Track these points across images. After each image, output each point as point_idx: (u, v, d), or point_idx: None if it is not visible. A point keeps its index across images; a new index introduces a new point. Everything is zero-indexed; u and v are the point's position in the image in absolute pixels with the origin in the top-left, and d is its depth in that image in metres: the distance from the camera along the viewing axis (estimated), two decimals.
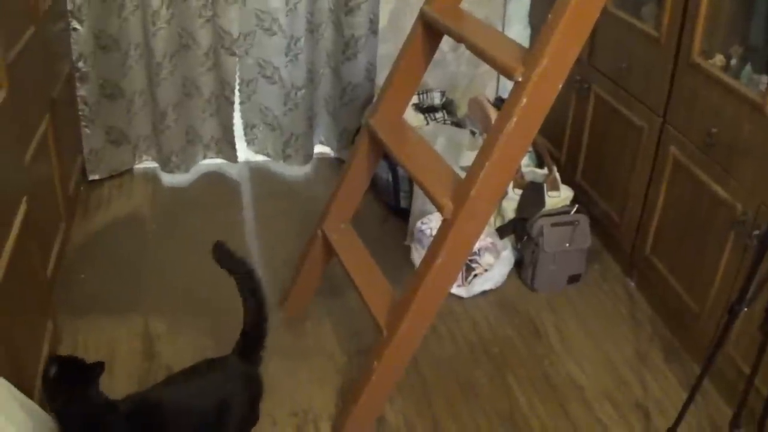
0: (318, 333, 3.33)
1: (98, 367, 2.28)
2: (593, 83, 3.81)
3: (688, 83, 3.13)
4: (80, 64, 4.06)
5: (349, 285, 2.95)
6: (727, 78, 2.92)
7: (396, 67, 2.94)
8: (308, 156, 4.64)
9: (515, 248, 3.75)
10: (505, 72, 2.42)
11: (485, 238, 3.58)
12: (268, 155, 4.66)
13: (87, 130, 4.21)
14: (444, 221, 2.51)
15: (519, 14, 4.67)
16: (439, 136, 3.93)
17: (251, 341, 2.65)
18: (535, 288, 3.66)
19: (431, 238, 2.67)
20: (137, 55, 4.19)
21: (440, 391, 3.08)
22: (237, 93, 4.42)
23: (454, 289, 3.55)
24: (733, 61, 2.99)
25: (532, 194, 3.70)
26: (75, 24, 3.98)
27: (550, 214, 3.62)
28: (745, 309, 2.34)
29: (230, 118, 4.44)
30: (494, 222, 3.77)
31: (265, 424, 2.83)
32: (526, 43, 4.13)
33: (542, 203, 3.68)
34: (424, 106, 4.39)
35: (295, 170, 4.64)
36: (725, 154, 2.91)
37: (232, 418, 2.52)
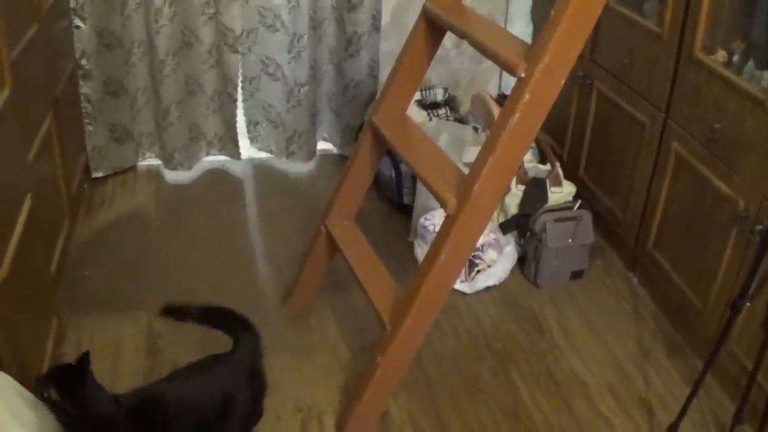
0: (322, 329, 3.34)
1: (84, 361, 2.25)
2: (596, 79, 3.81)
3: (691, 79, 3.13)
4: (83, 62, 4.07)
5: (353, 281, 2.96)
6: (729, 74, 2.92)
7: (399, 64, 2.94)
8: (311, 153, 4.65)
9: (518, 244, 3.75)
10: (507, 68, 2.42)
11: (488, 234, 3.59)
12: (271, 152, 4.66)
13: (90, 128, 4.22)
14: (447, 217, 2.51)
15: (521, 11, 4.67)
16: (441, 132, 3.93)
17: (251, 334, 2.66)
18: (538, 284, 3.66)
19: (434, 234, 2.67)
20: (140, 53, 4.19)
21: (444, 386, 3.08)
22: (240, 90, 4.42)
23: (458, 285, 3.55)
24: (736, 57, 3.00)
25: (535, 190, 3.70)
26: (78, 22, 3.99)
27: (552, 210, 3.62)
28: (748, 304, 2.35)
29: (233, 115, 4.45)
30: (497, 218, 3.78)
31: (269, 420, 2.83)
32: (528, 41, 4.13)
33: (545, 199, 3.69)
34: (427, 103, 4.39)
35: (299, 167, 4.64)
36: (728, 150, 2.91)
37: (235, 413, 2.52)
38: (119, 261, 3.72)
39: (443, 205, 2.51)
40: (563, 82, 2.36)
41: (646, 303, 3.59)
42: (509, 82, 4.65)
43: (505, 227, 3.72)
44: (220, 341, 2.65)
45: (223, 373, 2.58)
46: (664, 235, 3.40)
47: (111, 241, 3.88)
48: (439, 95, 4.45)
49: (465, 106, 4.54)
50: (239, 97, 4.44)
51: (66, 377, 2.24)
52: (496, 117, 3.41)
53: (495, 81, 4.90)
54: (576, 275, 3.71)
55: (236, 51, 4.25)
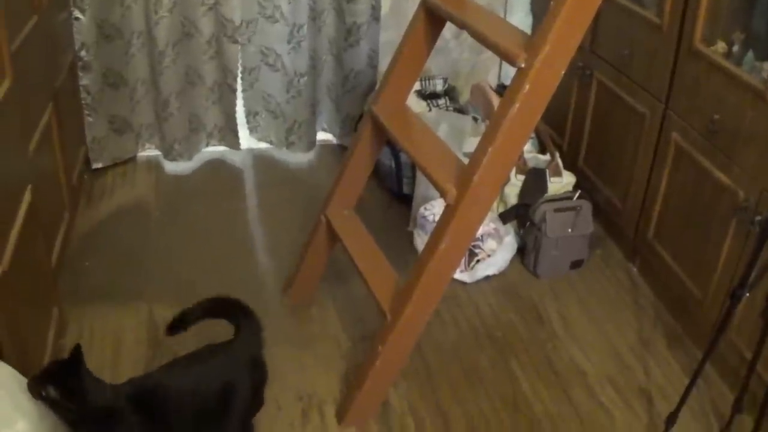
0: (322, 319, 3.35)
1: (77, 354, 2.24)
2: (595, 70, 3.81)
3: (690, 70, 3.13)
4: (83, 54, 4.07)
5: (353, 271, 2.96)
6: (729, 65, 2.92)
7: (398, 54, 2.95)
8: (311, 143, 4.65)
9: (518, 234, 3.76)
10: (507, 58, 2.42)
11: (488, 224, 3.59)
12: (271, 143, 4.66)
13: (90, 119, 4.22)
14: (447, 207, 2.52)
15: (521, 1, 4.67)
16: (441, 122, 3.93)
17: (251, 324, 2.66)
18: (537, 273, 3.67)
19: (434, 224, 2.67)
20: (140, 44, 4.19)
21: (444, 376, 3.09)
22: (239, 81, 4.42)
23: (457, 275, 3.56)
24: (735, 48, 3.00)
25: (535, 180, 3.71)
26: (77, 13, 3.98)
27: (552, 200, 3.62)
28: (747, 294, 2.35)
29: (233, 105, 4.45)
30: (497, 208, 3.78)
31: (270, 409, 2.84)
32: (527, 31, 4.13)
33: (545, 189, 3.69)
34: (427, 93, 4.39)
35: (298, 157, 4.64)
36: (727, 141, 2.92)
37: (236, 402, 2.53)
38: (119, 252, 3.72)
39: (443, 195, 2.52)
40: (563, 72, 2.36)
41: (646, 293, 3.59)
42: (509, 72, 4.65)
43: (504, 217, 3.73)
44: (221, 332, 2.66)
45: (223, 362, 2.58)
46: (664, 226, 3.41)
47: (111, 232, 3.88)
48: (439, 85, 4.45)
49: (465, 97, 4.54)
50: (239, 87, 4.44)
51: (61, 373, 2.24)
52: (495, 107, 3.41)
53: (494, 71, 4.90)
54: (575, 265, 3.72)
55: (236, 42, 4.25)
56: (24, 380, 2.32)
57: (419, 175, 3.82)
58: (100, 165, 4.36)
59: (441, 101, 4.35)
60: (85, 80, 4.12)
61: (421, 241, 3.66)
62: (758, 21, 3.00)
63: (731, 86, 2.88)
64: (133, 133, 4.43)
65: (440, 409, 2.93)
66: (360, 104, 4.48)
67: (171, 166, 4.48)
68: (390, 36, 4.39)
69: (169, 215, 4.03)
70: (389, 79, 2.97)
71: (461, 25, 2.67)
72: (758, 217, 2.73)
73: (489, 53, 2.62)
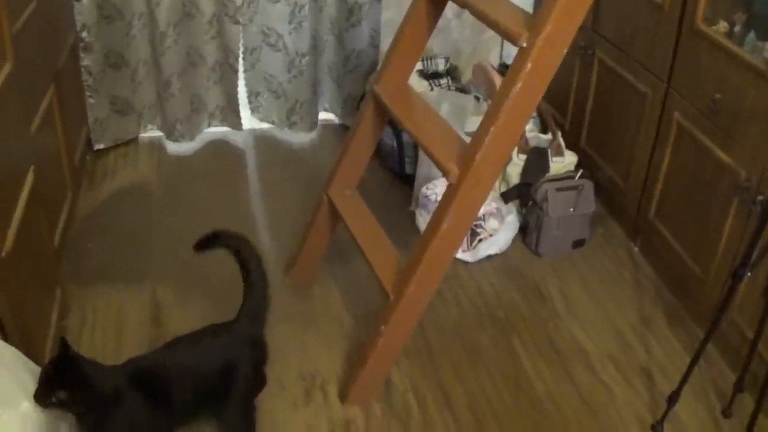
0: (325, 298, 3.36)
1: (64, 348, 2.21)
2: (597, 49, 3.81)
3: (692, 50, 3.13)
4: (84, 35, 4.06)
5: (356, 251, 2.97)
6: (730, 45, 2.92)
7: (400, 34, 2.94)
8: (313, 123, 4.65)
9: (520, 213, 3.76)
10: (509, 38, 2.42)
11: (490, 203, 3.60)
12: (272, 123, 4.66)
13: (91, 100, 4.21)
14: (449, 186, 2.52)
15: None
16: (443, 102, 3.93)
17: (255, 306, 2.66)
18: (539, 253, 3.68)
19: (436, 204, 2.68)
20: (141, 25, 4.18)
21: (446, 354, 3.10)
22: (241, 61, 4.42)
23: (459, 254, 3.57)
24: (737, 28, 2.99)
25: (537, 159, 3.71)
26: None
27: (554, 179, 3.63)
28: (749, 274, 2.36)
29: (234, 86, 4.45)
30: (499, 187, 3.79)
31: (273, 388, 2.85)
32: (529, 11, 4.12)
33: (546, 168, 3.69)
34: (428, 72, 4.38)
35: (300, 137, 4.64)
36: (729, 120, 2.92)
37: (238, 380, 2.53)
38: (122, 233, 3.73)
39: (445, 174, 2.52)
40: (565, 52, 2.36)
41: (647, 272, 3.60)
42: (510, 51, 4.64)
43: (506, 196, 3.73)
44: (224, 312, 2.67)
45: (224, 341, 2.59)
46: (666, 205, 3.41)
47: (113, 213, 3.89)
48: (441, 65, 4.44)
49: (466, 76, 4.54)
50: (240, 67, 4.43)
51: (61, 374, 2.22)
52: (497, 86, 3.41)
53: (496, 51, 4.89)
54: (577, 244, 3.73)
55: (237, 22, 4.24)
56: (28, 361, 2.33)
57: (421, 155, 3.82)
58: (102, 146, 4.36)
59: (443, 81, 4.35)
60: (86, 61, 4.12)
61: (423, 220, 3.67)
62: (760, 1, 2.99)
63: (733, 66, 2.88)
64: (135, 113, 4.43)
65: (442, 388, 2.95)
66: (362, 84, 4.48)
67: (173, 147, 4.48)
68: (391, 15, 4.38)
69: (171, 196, 4.04)
70: (391, 58, 2.97)
71: (463, 5, 2.66)
72: (760, 197, 2.73)
73: (491, 32, 2.62)
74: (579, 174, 3.66)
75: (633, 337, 3.23)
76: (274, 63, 4.45)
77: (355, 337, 3.14)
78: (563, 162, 3.74)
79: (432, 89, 4.26)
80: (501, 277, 3.55)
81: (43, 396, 2.20)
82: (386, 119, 3.09)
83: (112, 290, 3.33)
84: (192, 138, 4.52)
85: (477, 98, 4.13)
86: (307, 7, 4.27)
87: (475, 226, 3.54)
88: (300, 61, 4.40)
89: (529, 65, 2.33)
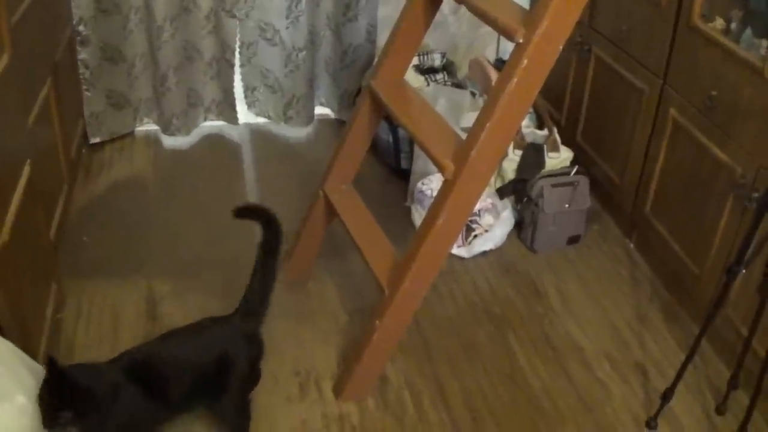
0: (320, 293, 3.36)
1: (53, 366, 2.19)
2: (594, 45, 3.81)
3: (689, 46, 3.13)
4: (81, 28, 4.05)
5: (351, 246, 2.97)
6: (727, 41, 2.92)
7: (397, 29, 2.94)
8: (309, 118, 4.65)
9: (515, 209, 3.76)
10: (506, 34, 2.42)
11: (485, 199, 3.60)
12: (269, 117, 4.66)
13: (88, 94, 4.21)
14: (445, 182, 2.52)
15: None
16: (439, 97, 3.93)
17: (255, 304, 2.67)
18: (534, 249, 3.68)
19: (432, 199, 2.68)
20: (138, 19, 4.18)
21: (441, 350, 3.10)
22: (238, 55, 4.41)
23: (455, 250, 3.57)
24: (734, 25, 2.99)
25: (533, 155, 3.71)
26: None
27: (550, 175, 3.63)
28: (744, 271, 2.37)
29: (231, 80, 4.44)
30: (494, 183, 3.79)
31: (267, 384, 2.85)
32: (526, 6, 4.12)
33: (542, 164, 3.69)
34: (425, 68, 4.39)
35: (296, 132, 4.64)
36: (725, 117, 2.92)
37: (232, 374, 2.54)
38: (118, 226, 3.73)
39: (441, 169, 2.52)
40: (561, 48, 2.36)
41: (643, 268, 3.60)
42: (507, 47, 4.64)
43: (502, 192, 3.73)
44: (220, 305, 2.67)
45: (219, 333, 2.59)
46: (661, 201, 3.41)
47: (110, 206, 3.88)
48: (437, 60, 4.44)
49: (463, 71, 4.54)
50: (237, 62, 4.43)
51: (59, 394, 2.22)
52: (493, 82, 3.42)
53: (493, 46, 4.89)
54: (573, 240, 3.73)
55: (234, 16, 4.24)
56: (24, 355, 2.33)
57: (417, 150, 3.83)
58: (98, 140, 4.35)
59: (439, 76, 4.35)
60: (83, 55, 4.12)
61: (418, 215, 3.67)
62: None
63: (729, 63, 2.88)
64: (132, 107, 4.43)
65: (438, 384, 2.95)
66: (358, 79, 4.48)
67: (169, 141, 4.48)
68: (388, 11, 4.37)
69: (167, 190, 4.04)
70: (387, 53, 2.97)
71: (460, 0, 2.66)
72: (755, 194, 2.73)
73: (487, 28, 2.61)
74: (575, 170, 3.66)
75: (628, 333, 3.23)
76: (270, 58, 4.45)
77: (350, 333, 3.15)
78: (559, 158, 3.74)
79: (428, 84, 4.26)
80: (496, 272, 3.55)
81: (50, 421, 2.20)
82: (382, 114, 3.09)
83: (108, 283, 3.33)
84: (188, 132, 4.52)
85: (473, 94, 4.14)
86: (304, 1, 4.27)
87: (471, 221, 3.54)
88: (297, 55, 4.40)
89: (525, 61, 2.33)
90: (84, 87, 4.18)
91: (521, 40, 2.34)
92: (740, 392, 2.83)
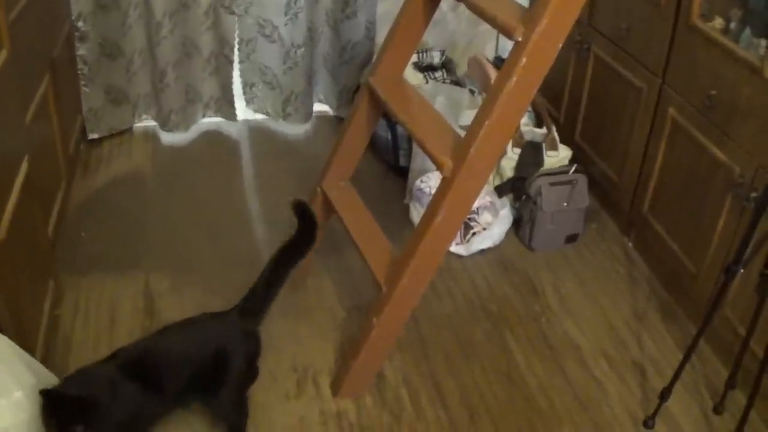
0: (318, 290, 3.36)
1: (47, 398, 2.23)
2: (593, 44, 3.81)
3: (688, 45, 3.13)
4: (79, 24, 4.05)
5: (349, 243, 2.97)
6: (726, 41, 2.92)
7: (396, 26, 2.94)
8: (308, 114, 4.64)
9: (513, 207, 3.76)
10: (505, 32, 2.42)
11: (484, 197, 3.60)
12: (267, 114, 4.65)
13: (86, 89, 4.20)
14: (443, 180, 2.52)
15: None
16: (438, 95, 3.93)
17: (257, 303, 2.67)
18: (532, 247, 3.68)
19: (430, 197, 2.68)
20: (136, 15, 4.17)
21: (439, 348, 3.10)
22: (236, 52, 4.41)
23: (453, 247, 3.57)
24: (733, 24, 2.99)
25: (531, 153, 3.71)
26: None
27: (548, 174, 3.63)
28: (742, 270, 2.37)
29: (229, 77, 4.44)
30: (493, 181, 3.79)
31: (265, 380, 2.85)
32: (525, 5, 4.12)
33: (541, 163, 3.69)
34: (424, 65, 4.38)
35: (295, 129, 4.64)
36: (724, 117, 2.92)
37: (230, 371, 2.54)
38: (116, 222, 3.72)
39: (439, 167, 2.52)
40: (560, 46, 2.36)
41: (641, 267, 3.60)
42: (506, 45, 4.64)
43: (500, 190, 3.73)
44: (216, 301, 2.67)
45: (217, 329, 2.60)
46: (660, 200, 3.41)
47: (108, 202, 3.88)
48: (436, 58, 4.44)
49: (462, 69, 4.54)
50: (236, 58, 4.43)
51: (62, 415, 2.25)
52: (492, 80, 3.42)
53: (492, 44, 4.89)
54: (571, 239, 3.73)
55: (233, 12, 4.24)
56: (21, 351, 2.33)
57: (415, 148, 3.82)
58: (96, 135, 4.35)
59: (438, 73, 4.35)
60: (81, 50, 4.11)
61: (416, 213, 3.67)
62: None
63: (728, 62, 2.88)
64: (130, 103, 4.42)
65: (435, 381, 2.95)
66: (357, 76, 4.48)
67: (167, 137, 4.48)
68: (387, 7, 4.37)
69: (165, 186, 4.03)
70: (386, 50, 2.97)
71: None
72: (753, 194, 2.73)
73: (486, 26, 2.61)
74: (573, 168, 3.66)
75: (626, 332, 3.23)
76: (269, 54, 4.44)
77: (347, 329, 3.15)
78: (557, 156, 3.74)
79: (427, 82, 4.26)
80: (494, 270, 3.55)
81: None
82: (381, 111, 3.08)
83: (106, 279, 3.33)
84: (186, 128, 4.51)
85: (472, 91, 4.14)
86: None
87: (469, 219, 3.54)
88: (295, 52, 4.39)
89: (524, 59, 2.32)
90: (82, 83, 4.18)
91: (520, 39, 2.34)
92: (738, 392, 2.83)
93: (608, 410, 2.88)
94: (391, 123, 4.02)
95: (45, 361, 2.64)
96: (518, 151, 3.72)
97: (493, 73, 3.98)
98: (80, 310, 3.16)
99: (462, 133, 2.56)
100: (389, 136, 4.08)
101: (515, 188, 3.72)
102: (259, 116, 4.68)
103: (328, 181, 3.17)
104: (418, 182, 3.70)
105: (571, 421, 2.83)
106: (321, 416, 2.79)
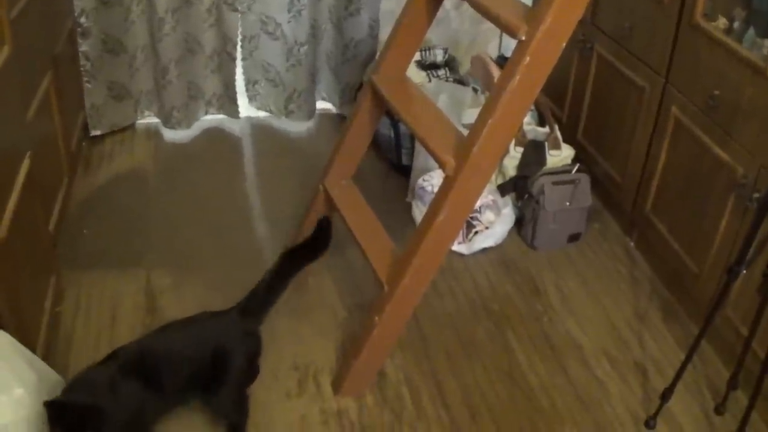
0: (319, 288, 3.35)
1: (52, 411, 2.23)
2: (596, 43, 3.80)
3: (691, 45, 3.12)
4: (82, 20, 4.05)
5: (351, 241, 2.97)
6: (729, 41, 2.91)
7: (399, 24, 2.94)
8: (311, 112, 4.64)
9: (516, 206, 3.76)
10: (508, 30, 2.42)
11: (486, 196, 3.60)
12: (270, 111, 4.65)
13: (89, 86, 4.20)
14: (446, 178, 2.52)
15: None
16: (441, 93, 3.93)
17: (259, 304, 2.67)
18: (535, 246, 3.68)
19: (432, 195, 2.68)
20: (139, 11, 4.17)
21: (440, 347, 3.10)
22: (239, 49, 4.41)
23: (455, 246, 3.56)
24: (736, 24, 2.98)
25: (534, 152, 3.71)
26: None
27: (551, 173, 3.62)
28: (744, 271, 2.36)
29: (232, 74, 4.44)
30: (495, 180, 3.78)
31: (266, 379, 2.85)
32: (528, 3, 4.12)
33: (543, 162, 3.69)
34: (427, 63, 4.38)
35: (297, 126, 4.63)
36: (727, 117, 2.91)
37: (230, 369, 2.54)
38: (118, 219, 3.72)
39: (442, 166, 2.52)
40: (564, 45, 2.36)
41: (643, 267, 3.60)
42: (509, 43, 4.63)
43: (503, 189, 3.73)
44: (218, 298, 2.67)
45: (217, 328, 2.60)
46: (662, 200, 3.41)
47: (110, 199, 3.88)
48: (439, 56, 4.44)
49: (465, 67, 4.53)
50: (238, 55, 4.42)
51: (70, 425, 2.25)
52: (495, 78, 3.41)
53: (495, 42, 4.88)
54: (573, 238, 3.72)
55: (236, 9, 4.23)
56: (22, 348, 2.33)
57: (418, 146, 3.82)
58: (98, 132, 4.34)
59: (441, 72, 4.35)
60: (84, 47, 4.11)
61: (419, 212, 3.67)
62: None
63: (732, 62, 2.87)
64: (132, 100, 4.42)
65: (436, 380, 2.95)
66: (360, 74, 4.48)
67: (170, 134, 4.47)
68: (391, 5, 4.37)
69: (167, 183, 4.03)
70: (389, 48, 2.97)
71: None
72: (756, 194, 2.73)
73: (490, 24, 2.60)
74: (576, 168, 3.65)
75: (627, 332, 3.23)
76: (272, 51, 4.44)
77: (349, 328, 3.14)
78: (560, 155, 3.74)
79: (430, 80, 4.26)
80: (496, 270, 3.55)
81: None
82: (383, 110, 3.08)
83: (107, 276, 3.33)
84: (189, 125, 4.51)
85: (475, 90, 4.13)
86: None
87: (471, 218, 3.54)
88: (298, 50, 4.39)
89: (527, 58, 2.32)
90: (85, 79, 4.17)
91: (524, 38, 2.33)
92: (739, 393, 2.83)
93: (610, 410, 2.87)
94: (394, 121, 4.02)
95: (46, 358, 2.63)
96: (521, 149, 3.72)
97: (496, 71, 3.98)
98: (81, 307, 3.16)
99: (465, 132, 2.56)
100: (392, 135, 4.07)
101: (518, 187, 3.72)
102: (262, 113, 4.68)
103: (330, 179, 3.17)
104: (420, 181, 3.69)
105: (573, 420, 2.83)
106: (322, 415, 2.79)
